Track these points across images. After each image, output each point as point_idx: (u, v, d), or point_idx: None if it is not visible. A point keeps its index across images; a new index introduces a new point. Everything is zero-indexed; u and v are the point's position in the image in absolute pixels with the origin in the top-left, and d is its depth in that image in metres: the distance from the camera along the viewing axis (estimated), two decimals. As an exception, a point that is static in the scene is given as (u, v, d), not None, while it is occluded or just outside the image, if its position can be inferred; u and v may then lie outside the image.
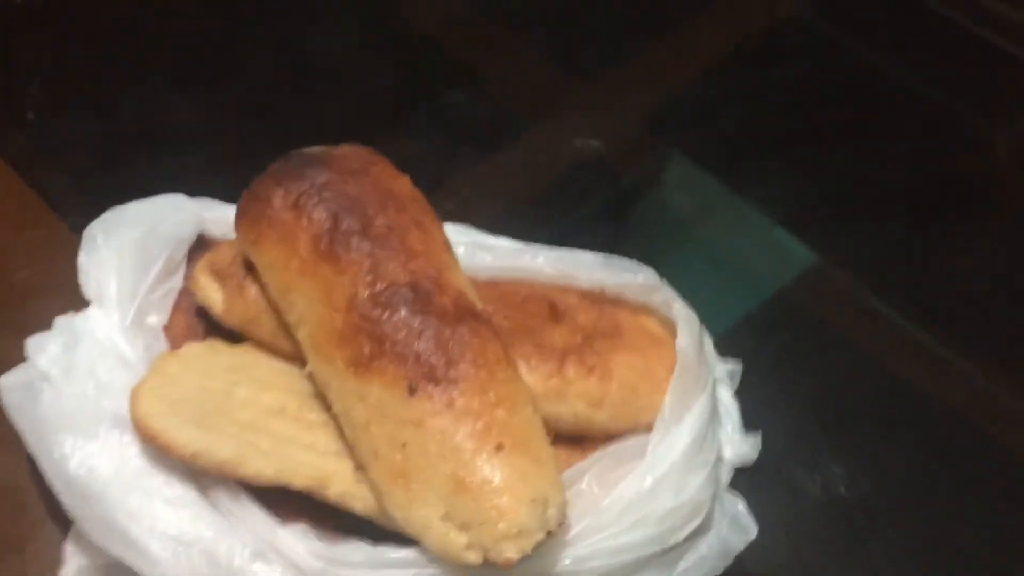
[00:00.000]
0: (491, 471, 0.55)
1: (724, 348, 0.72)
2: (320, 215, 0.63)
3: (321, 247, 0.62)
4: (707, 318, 0.69)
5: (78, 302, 0.70)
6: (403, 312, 0.59)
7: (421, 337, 0.58)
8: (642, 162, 0.89)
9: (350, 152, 0.67)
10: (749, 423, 0.69)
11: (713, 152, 0.90)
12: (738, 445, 0.65)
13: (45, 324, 0.76)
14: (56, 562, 0.62)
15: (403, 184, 0.66)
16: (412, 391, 0.57)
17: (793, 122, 0.95)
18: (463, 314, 0.60)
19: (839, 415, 0.79)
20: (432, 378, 0.57)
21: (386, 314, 0.59)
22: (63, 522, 0.65)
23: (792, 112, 0.95)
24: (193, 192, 0.77)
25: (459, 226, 0.75)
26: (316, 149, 0.68)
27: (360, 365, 0.58)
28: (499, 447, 0.55)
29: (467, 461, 0.55)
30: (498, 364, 0.59)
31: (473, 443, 0.55)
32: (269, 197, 0.64)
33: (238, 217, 0.66)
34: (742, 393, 0.71)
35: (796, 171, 0.90)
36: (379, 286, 0.60)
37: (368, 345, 0.58)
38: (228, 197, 0.77)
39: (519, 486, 0.55)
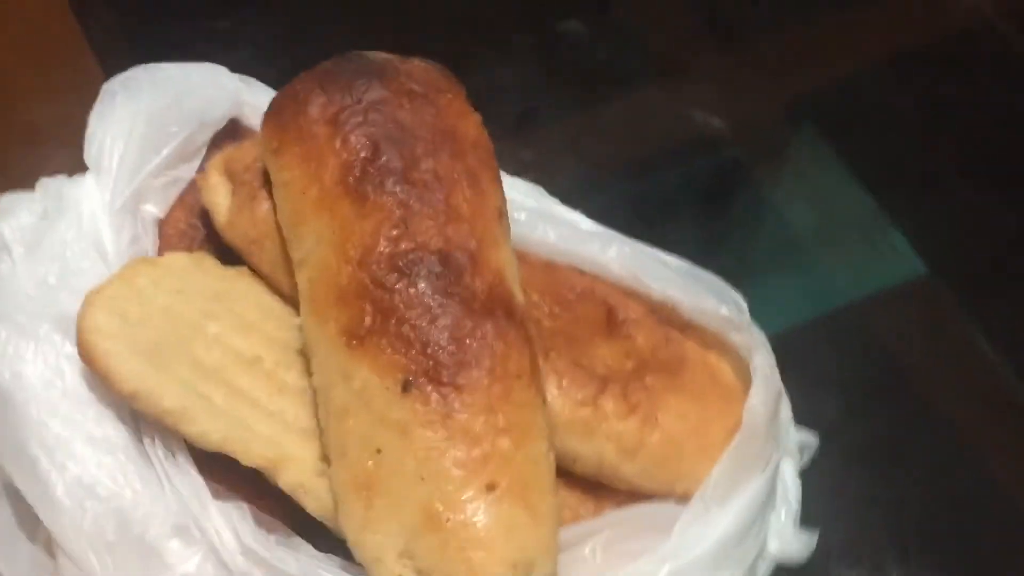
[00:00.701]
0: (473, 513, 0.44)
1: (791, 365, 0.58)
2: (358, 140, 0.51)
3: (349, 179, 0.50)
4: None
5: (82, 162, 0.60)
6: (422, 285, 0.47)
7: (436, 323, 0.47)
8: (767, 157, 0.74)
9: (419, 70, 0.55)
10: (805, 509, 0.56)
11: (855, 164, 0.75)
12: (789, 539, 0.53)
13: (35, 178, 0.67)
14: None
15: (470, 125, 0.54)
16: (406, 387, 0.46)
17: (960, 148, 0.79)
18: (494, 306, 0.48)
19: (919, 512, 0.66)
20: (434, 378, 0.46)
21: (402, 283, 0.47)
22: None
23: (965, 135, 0.79)
24: (247, 66, 0.66)
25: (529, 186, 0.62)
26: (380, 56, 0.56)
27: (355, 336, 0.47)
28: (491, 486, 0.44)
29: (448, 493, 0.44)
30: (519, 381, 0.47)
31: (461, 472, 0.44)
32: (306, 102, 0.53)
33: (266, 116, 0.55)
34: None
35: (945, 212, 0.75)
36: (403, 245, 0.48)
37: (371, 315, 0.47)
38: (282, 84, 0.66)
39: (502, 541, 0.43)
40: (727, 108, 0.74)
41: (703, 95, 0.75)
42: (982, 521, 0.66)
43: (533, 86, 0.74)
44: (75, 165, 0.65)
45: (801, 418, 0.58)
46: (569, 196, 0.64)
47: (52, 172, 0.67)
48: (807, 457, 0.56)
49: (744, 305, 0.56)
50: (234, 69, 0.65)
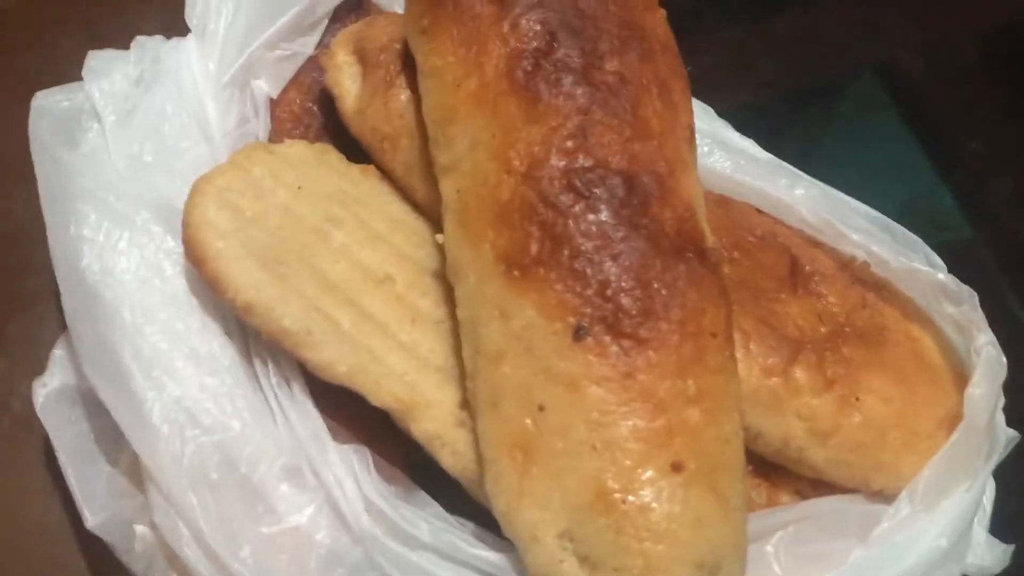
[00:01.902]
0: (655, 497, 0.36)
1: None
2: (531, 25, 0.42)
3: (518, 73, 0.41)
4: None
5: (181, 21, 0.52)
6: (604, 212, 0.39)
7: (618, 259, 0.39)
8: (955, 100, 0.64)
9: (601, -50, 0.46)
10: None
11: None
12: (981, 550, 0.45)
13: (129, 36, 0.59)
14: (37, 361, 0.46)
15: (659, 20, 0.45)
16: (579, 333, 0.38)
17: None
18: (685, 245, 0.40)
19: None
20: (614, 326, 0.38)
21: (579, 205, 0.39)
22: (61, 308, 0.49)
23: None
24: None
25: (698, 104, 0.53)
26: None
27: (517, 265, 0.39)
28: (677, 466, 0.37)
29: (625, 468, 0.36)
30: (713, 340, 0.39)
31: (642, 446, 0.37)
32: (467, -27, 0.44)
33: (414, -13, 0.46)
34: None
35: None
36: (581, 160, 0.40)
37: (539, 240, 0.39)
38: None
39: (688, 534, 0.36)
40: (914, 35, 0.64)
41: (888, 17, 0.65)
42: None
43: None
44: (173, 23, 0.57)
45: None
46: (731, 119, 0.55)
47: (148, 30, 0.60)
48: (1004, 453, 0.48)
49: (945, 269, 0.48)
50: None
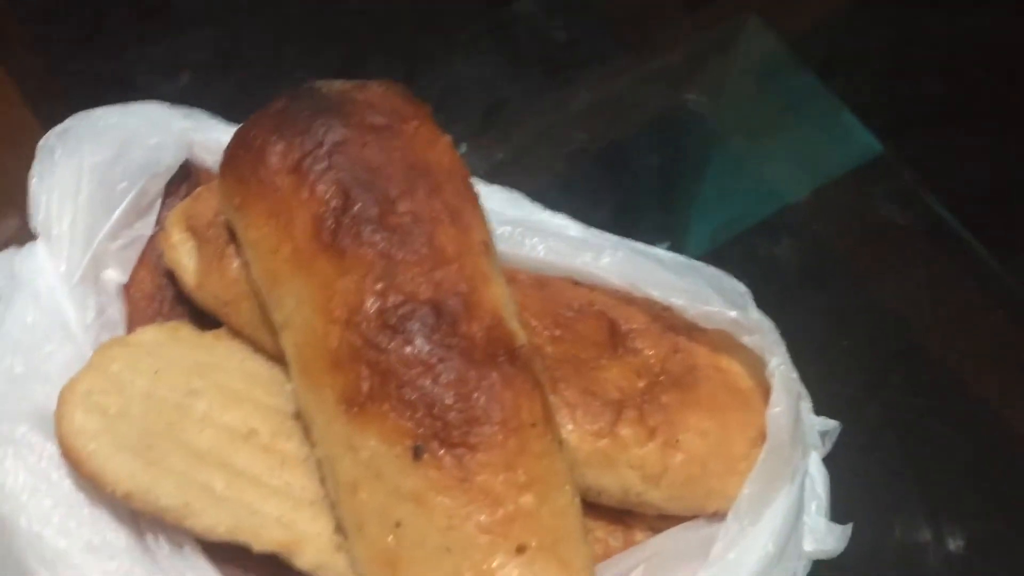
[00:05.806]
0: (507, 579, 0.42)
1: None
2: (327, 188, 0.47)
3: (323, 234, 0.47)
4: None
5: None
6: (418, 342, 0.45)
7: (438, 380, 0.44)
8: (749, 127, 0.71)
9: (378, 97, 0.51)
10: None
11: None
12: (822, 536, 0.51)
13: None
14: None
15: (441, 151, 0.51)
16: (417, 453, 0.43)
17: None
18: (496, 351, 0.45)
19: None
20: (445, 439, 0.43)
21: (395, 340, 0.45)
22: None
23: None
24: (188, 93, 0.62)
25: (508, 193, 0.59)
26: (335, 88, 0.52)
27: (354, 404, 0.44)
28: (521, 548, 0.42)
29: (477, 561, 0.42)
30: (533, 429, 0.44)
31: (488, 538, 0.42)
32: (264, 151, 0.49)
33: (223, 168, 0.51)
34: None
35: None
36: (391, 299, 0.45)
37: (368, 379, 0.44)
38: (231, 109, 0.61)
39: (541, 605, 0.42)
40: (704, 80, 0.71)
41: (676, 67, 0.72)
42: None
43: (494, 76, 0.70)
44: (25, 229, 0.61)
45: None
46: (549, 191, 0.61)
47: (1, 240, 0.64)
48: (830, 444, 0.54)
49: (748, 295, 0.54)
50: (175, 98, 0.61)
